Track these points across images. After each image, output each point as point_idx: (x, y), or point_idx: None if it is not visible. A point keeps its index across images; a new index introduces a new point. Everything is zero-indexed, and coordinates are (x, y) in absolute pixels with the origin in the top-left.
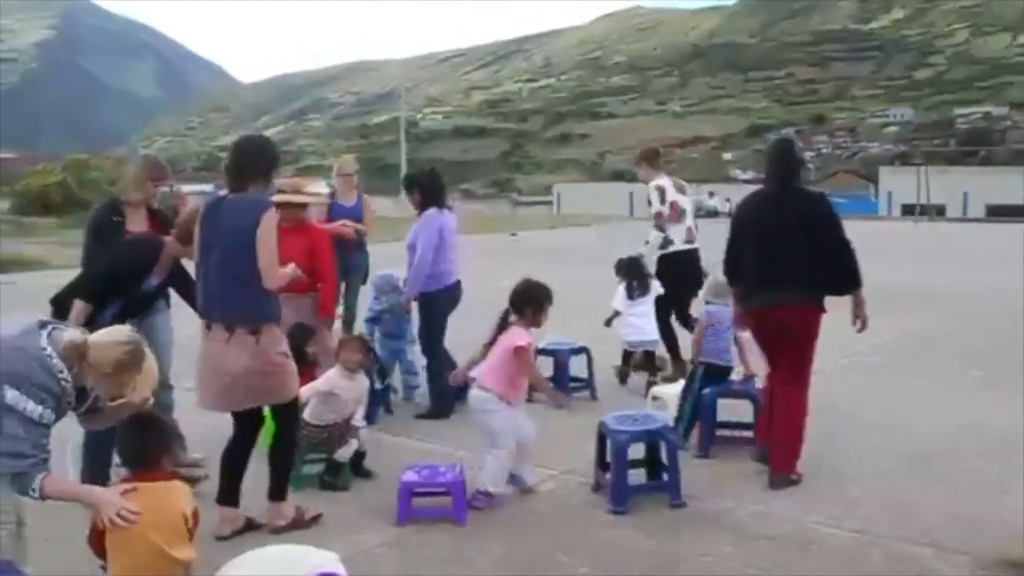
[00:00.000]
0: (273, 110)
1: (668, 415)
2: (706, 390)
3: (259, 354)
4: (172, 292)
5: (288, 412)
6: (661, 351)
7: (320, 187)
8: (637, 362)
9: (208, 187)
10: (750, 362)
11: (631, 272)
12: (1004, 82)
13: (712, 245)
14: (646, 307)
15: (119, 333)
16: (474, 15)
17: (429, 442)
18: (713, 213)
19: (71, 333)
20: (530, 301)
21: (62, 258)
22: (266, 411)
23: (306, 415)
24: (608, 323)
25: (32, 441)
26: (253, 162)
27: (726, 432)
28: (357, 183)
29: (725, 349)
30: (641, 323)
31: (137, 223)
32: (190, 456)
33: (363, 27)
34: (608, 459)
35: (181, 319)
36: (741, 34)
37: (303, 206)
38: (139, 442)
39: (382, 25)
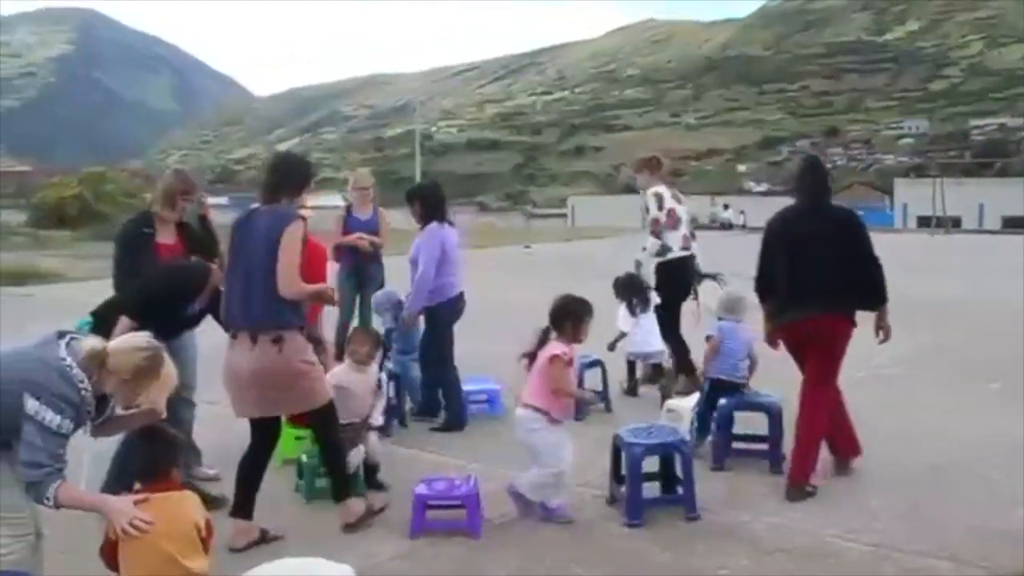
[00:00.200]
0: (288, 123)
1: (683, 428)
2: (722, 401)
3: (282, 361)
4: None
5: (322, 417)
6: (666, 363)
7: (335, 200)
8: (646, 375)
9: (223, 199)
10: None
11: (630, 290)
12: (1019, 93)
13: (724, 256)
14: (650, 322)
15: (138, 339)
16: (487, 29)
17: (443, 455)
18: (728, 225)
19: (90, 342)
20: (569, 315)
21: (78, 271)
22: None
23: None
24: (612, 347)
25: (49, 451)
26: (286, 177)
27: (741, 445)
28: (373, 196)
29: (734, 366)
30: (646, 337)
31: (167, 236)
32: (205, 471)
33: (377, 41)
34: (623, 472)
35: (202, 330)
36: (755, 46)
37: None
38: (150, 455)
39: (396, 39)
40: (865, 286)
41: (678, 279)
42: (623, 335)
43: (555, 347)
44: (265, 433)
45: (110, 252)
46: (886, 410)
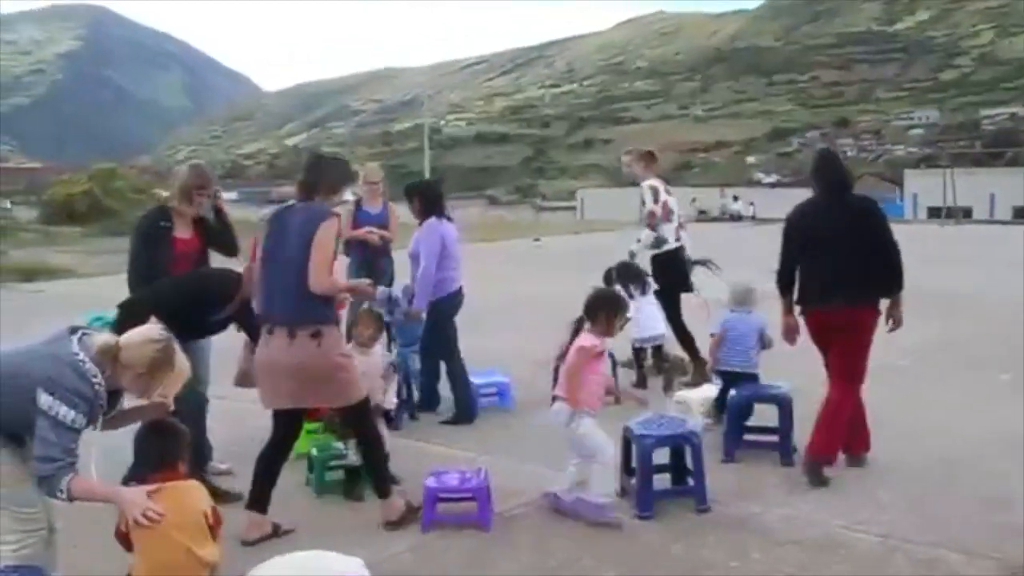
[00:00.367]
0: (297, 118)
1: (695, 419)
2: (732, 393)
3: (320, 355)
4: None
5: (357, 412)
6: (669, 348)
7: (345, 195)
8: (650, 363)
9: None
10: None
11: (625, 276)
12: None
13: (734, 247)
14: (651, 305)
15: (151, 332)
16: (495, 22)
17: (452, 447)
18: (737, 217)
19: (102, 337)
20: (604, 307)
21: (88, 267)
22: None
23: None
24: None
25: (62, 446)
26: (322, 176)
27: (752, 436)
28: (382, 190)
29: (745, 356)
30: (648, 321)
31: (184, 230)
32: (217, 465)
33: (385, 35)
34: (633, 464)
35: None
36: (764, 37)
37: None
38: (158, 446)
39: (404, 33)
40: (884, 272)
41: (674, 270)
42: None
43: (584, 339)
44: (288, 427)
45: (120, 248)
46: (896, 402)
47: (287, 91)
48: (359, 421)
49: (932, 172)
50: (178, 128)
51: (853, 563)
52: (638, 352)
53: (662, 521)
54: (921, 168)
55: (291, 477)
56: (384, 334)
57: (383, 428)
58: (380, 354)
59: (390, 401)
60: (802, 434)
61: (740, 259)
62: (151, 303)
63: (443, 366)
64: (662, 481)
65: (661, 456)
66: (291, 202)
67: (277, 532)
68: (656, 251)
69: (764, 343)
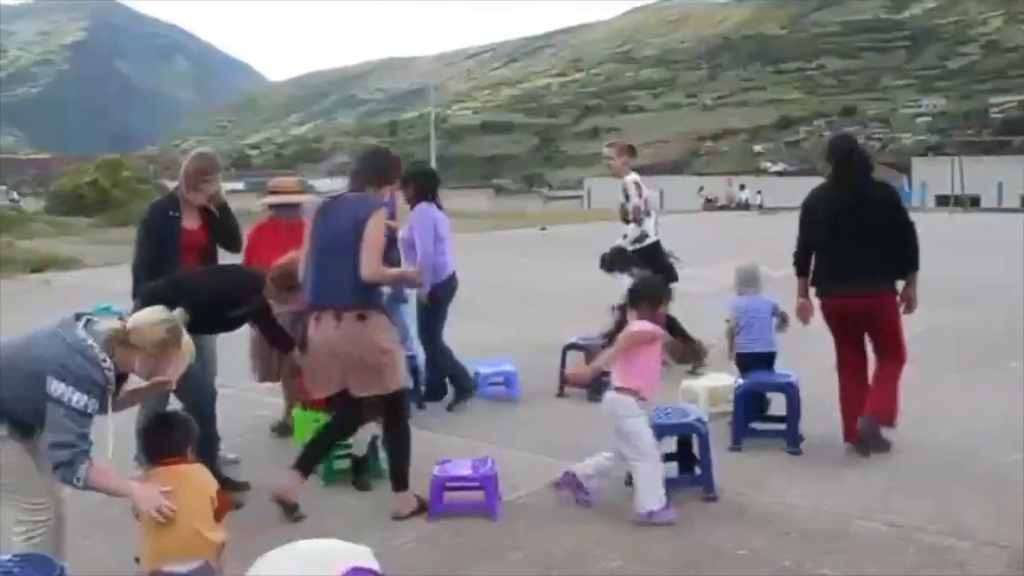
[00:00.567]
0: (303, 108)
1: (701, 408)
2: (739, 381)
3: (367, 337)
4: None
5: (394, 403)
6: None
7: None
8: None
9: (239, 184)
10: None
11: (622, 261)
12: None
13: (735, 237)
14: None
15: (155, 313)
16: (502, 11)
17: (459, 436)
18: (744, 206)
19: (109, 321)
20: (648, 296)
21: (95, 257)
22: (297, 406)
23: None
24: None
25: (76, 432)
26: (373, 168)
27: (759, 425)
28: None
29: (762, 335)
30: None
31: (191, 220)
32: (225, 455)
33: (391, 24)
34: None
35: None
36: (771, 25)
37: (297, 205)
38: (167, 433)
39: (410, 22)
40: (901, 254)
41: (657, 262)
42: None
43: (635, 324)
44: (349, 410)
45: (127, 239)
46: (904, 390)
47: (293, 81)
48: (394, 411)
49: (940, 160)
50: (184, 118)
51: (861, 552)
52: None
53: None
54: (929, 156)
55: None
56: None
57: None
58: None
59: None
60: (809, 423)
61: (747, 248)
62: (172, 295)
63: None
64: (669, 470)
65: (668, 445)
66: (339, 192)
67: (293, 511)
68: (639, 245)
69: (782, 320)
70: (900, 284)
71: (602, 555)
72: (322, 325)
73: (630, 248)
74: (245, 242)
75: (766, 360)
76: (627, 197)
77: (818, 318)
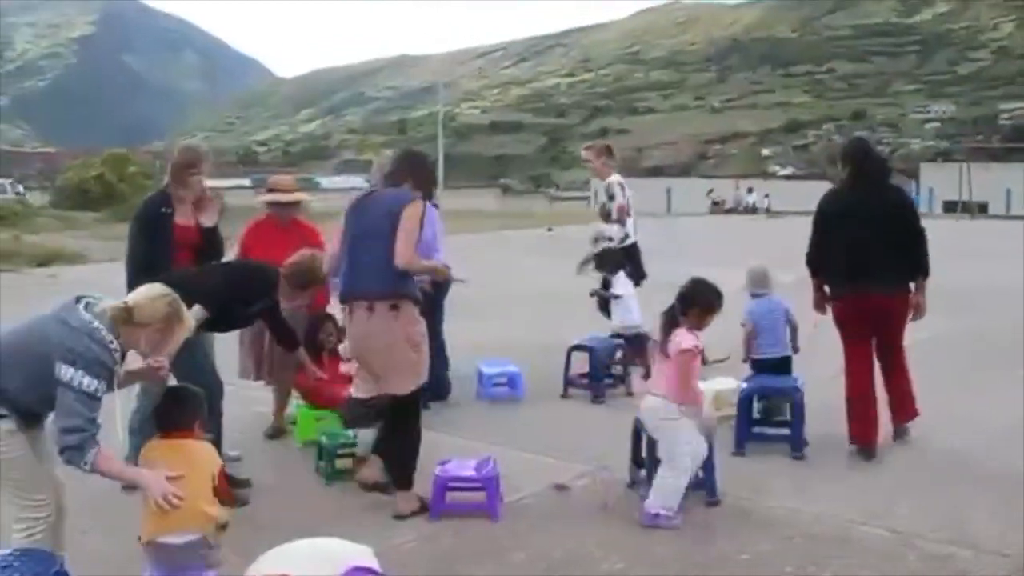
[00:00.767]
0: (311, 105)
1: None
2: (743, 386)
3: (399, 328)
4: None
5: (411, 403)
6: None
7: (357, 182)
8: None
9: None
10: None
11: (616, 261)
12: None
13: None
14: (631, 296)
15: (154, 289)
16: (512, 10)
17: (462, 436)
18: (752, 209)
19: (109, 302)
20: (700, 302)
21: (101, 252)
22: (297, 406)
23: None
24: (604, 306)
25: (86, 416)
26: (408, 170)
27: (762, 430)
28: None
29: (776, 340)
30: (638, 306)
31: (184, 216)
32: (228, 452)
33: (401, 22)
34: (643, 455)
35: None
36: (781, 28)
37: (295, 204)
38: (176, 407)
39: (420, 20)
40: (914, 259)
41: (636, 262)
42: (616, 298)
43: (687, 339)
44: (393, 409)
45: None
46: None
47: (302, 77)
48: (409, 410)
49: (948, 166)
50: (193, 114)
51: (863, 557)
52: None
53: None
54: (937, 162)
55: (300, 465)
56: None
57: None
58: None
59: None
60: (813, 428)
61: (756, 251)
62: (188, 291)
63: None
64: None
65: None
66: (372, 190)
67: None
68: (622, 245)
69: (792, 330)
70: (910, 286)
71: (604, 557)
72: (355, 318)
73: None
74: (241, 239)
75: (783, 364)
76: (611, 197)
77: (824, 321)
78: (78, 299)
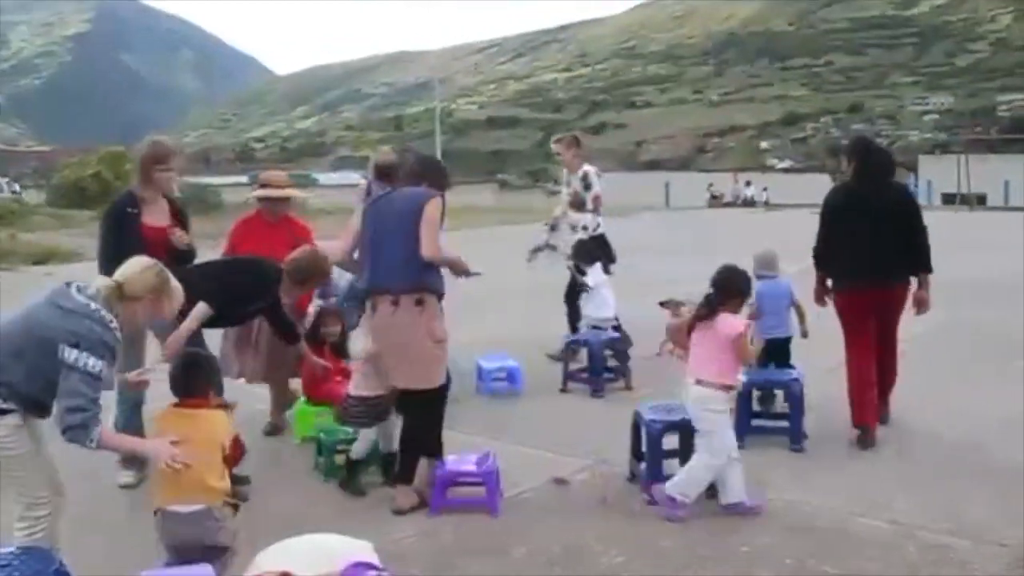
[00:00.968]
0: (308, 101)
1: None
2: (742, 379)
3: (422, 324)
4: None
5: (435, 397)
6: None
7: (354, 178)
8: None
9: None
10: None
11: (592, 252)
12: None
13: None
14: (606, 287)
15: (139, 261)
16: (509, 5)
17: (461, 431)
18: (750, 203)
19: (101, 281)
20: (737, 289)
21: (97, 250)
22: (299, 401)
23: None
24: (573, 299)
25: (90, 396)
26: (424, 173)
27: (761, 422)
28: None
29: (780, 321)
30: (603, 301)
31: (156, 216)
32: None
33: (397, 19)
34: (643, 448)
35: None
36: (778, 21)
37: (285, 200)
38: (190, 372)
39: (416, 17)
40: (916, 253)
41: (609, 252)
42: (587, 289)
43: (736, 322)
44: (405, 405)
45: None
46: (907, 387)
47: (298, 74)
48: (433, 405)
49: (946, 158)
50: (189, 111)
51: (862, 549)
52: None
53: None
54: (936, 154)
55: (299, 461)
56: None
57: (393, 423)
58: None
59: None
60: (812, 420)
61: (754, 244)
62: (192, 289)
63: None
64: (672, 466)
65: (671, 442)
66: (390, 189)
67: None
68: (592, 235)
69: (798, 309)
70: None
71: (604, 551)
72: (379, 312)
73: (584, 236)
74: (229, 235)
75: (785, 345)
76: (588, 186)
77: (823, 313)
78: (68, 284)
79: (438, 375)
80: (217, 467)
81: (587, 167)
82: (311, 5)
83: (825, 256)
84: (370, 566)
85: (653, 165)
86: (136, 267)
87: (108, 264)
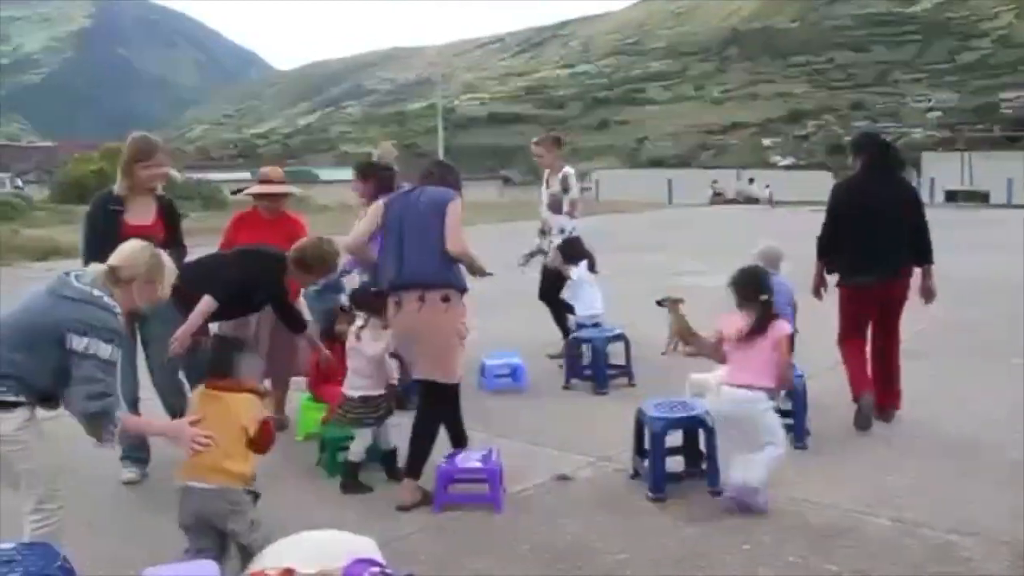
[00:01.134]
0: (309, 97)
1: (708, 403)
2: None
3: (447, 320)
4: None
5: (451, 393)
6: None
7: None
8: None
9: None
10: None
11: (579, 250)
12: None
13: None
14: (592, 285)
15: (131, 244)
16: (510, 2)
17: (465, 428)
18: (753, 200)
19: (96, 267)
20: (761, 290)
21: None
22: (303, 398)
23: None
24: (552, 297)
25: (107, 382)
26: (439, 175)
27: None
28: (396, 171)
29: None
30: (591, 298)
31: (140, 215)
32: None
33: (399, 14)
34: (646, 446)
35: None
36: (781, 19)
37: (283, 196)
38: (219, 355)
39: (419, 12)
40: (917, 248)
41: (583, 251)
42: (568, 280)
43: (784, 326)
44: (427, 396)
45: None
46: (909, 385)
47: (300, 70)
48: (447, 399)
49: (949, 155)
50: (191, 107)
51: (864, 547)
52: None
53: (674, 503)
54: (939, 151)
55: (303, 458)
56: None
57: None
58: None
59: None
60: (815, 418)
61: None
62: (199, 280)
63: None
64: (675, 463)
65: (674, 439)
66: (411, 187)
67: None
68: (570, 235)
69: (793, 306)
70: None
71: (607, 548)
72: (404, 308)
73: (559, 238)
74: (225, 231)
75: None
76: (567, 189)
77: (825, 312)
78: (67, 273)
79: (458, 370)
80: (237, 451)
81: (568, 169)
82: (312, 2)
83: (831, 250)
84: (372, 563)
85: (656, 162)
86: (127, 249)
87: (86, 259)
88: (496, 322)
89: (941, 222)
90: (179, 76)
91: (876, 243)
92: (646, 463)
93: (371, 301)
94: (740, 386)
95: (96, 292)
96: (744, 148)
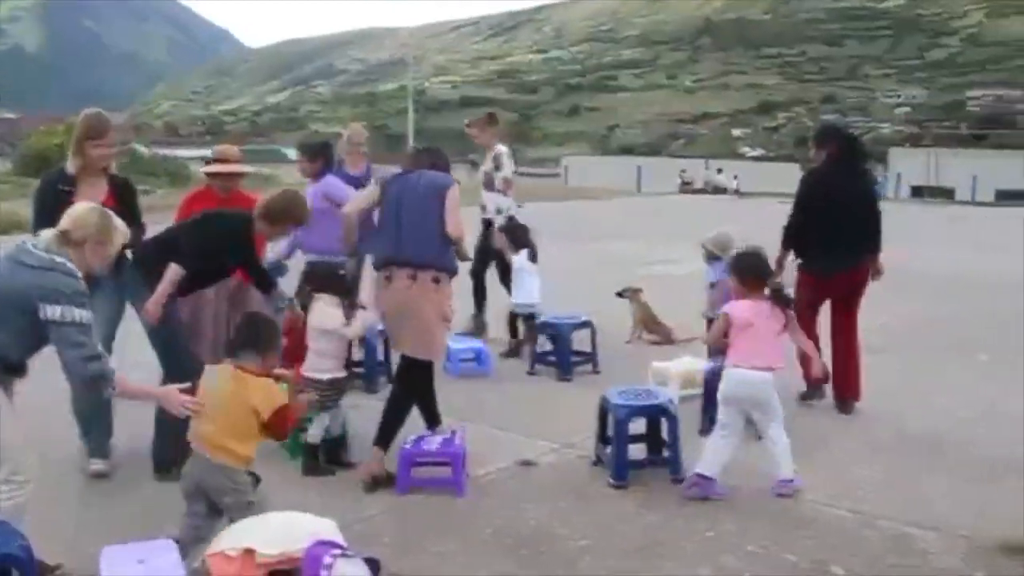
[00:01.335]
0: (280, 75)
1: (672, 391)
2: (707, 365)
3: (435, 301)
4: None
5: (428, 370)
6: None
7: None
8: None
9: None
10: None
11: (523, 236)
12: (1019, 65)
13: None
14: (532, 273)
15: (80, 206)
16: None
17: None
18: (721, 190)
19: (49, 233)
20: (762, 274)
21: None
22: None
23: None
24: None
25: (91, 343)
26: (429, 160)
27: None
28: (365, 152)
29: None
30: (530, 287)
31: (91, 194)
32: None
33: None
34: (609, 433)
35: None
36: (754, 10)
37: (237, 175)
38: (244, 333)
39: None
40: (873, 236)
41: (523, 234)
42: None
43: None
44: (404, 371)
45: None
46: (872, 380)
47: (271, 48)
48: (423, 376)
49: (916, 151)
50: (160, 82)
51: (823, 537)
52: (515, 318)
53: (636, 490)
54: (906, 147)
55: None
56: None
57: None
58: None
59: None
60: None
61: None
62: (164, 252)
63: None
64: (638, 451)
65: (638, 426)
66: (408, 169)
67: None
68: (508, 216)
69: None
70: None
71: (569, 534)
72: (395, 284)
73: (501, 220)
74: (179, 208)
75: None
76: (498, 167)
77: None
78: (23, 242)
79: (440, 349)
80: (243, 432)
81: (501, 147)
82: None
83: (797, 238)
84: (334, 544)
85: (626, 150)
86: (75, 211)
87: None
88: (461, 304)
89: (907, 218)
90: (148, 51)
91: (841, 234)
92: (609, 450)
93: (328, 278)
94: (754, 368)
95: (58, 259)
96: (714, 138)
